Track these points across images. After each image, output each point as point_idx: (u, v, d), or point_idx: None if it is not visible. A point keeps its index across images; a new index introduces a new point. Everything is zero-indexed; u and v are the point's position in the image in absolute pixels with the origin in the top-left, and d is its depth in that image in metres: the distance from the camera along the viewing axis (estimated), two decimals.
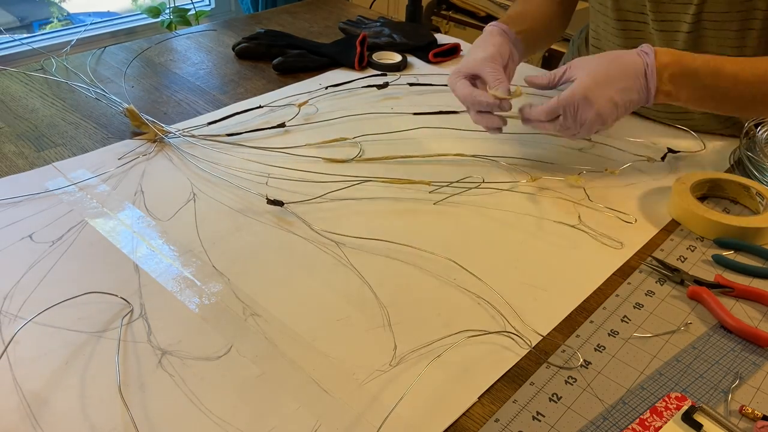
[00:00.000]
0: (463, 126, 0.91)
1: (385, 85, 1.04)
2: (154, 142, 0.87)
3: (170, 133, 0.88)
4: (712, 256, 0.70)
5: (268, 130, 0.91)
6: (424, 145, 0.89)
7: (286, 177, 0.80)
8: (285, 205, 0.74)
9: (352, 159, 0.85)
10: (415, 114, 0.96)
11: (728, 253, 0.71)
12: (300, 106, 0.96)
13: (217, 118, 0.92)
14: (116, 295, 0.61)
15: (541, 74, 0.80)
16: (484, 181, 0.80)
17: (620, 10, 0.91)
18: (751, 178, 0.80)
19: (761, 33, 0.82)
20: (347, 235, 0.71)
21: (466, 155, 0.86)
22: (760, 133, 0.86)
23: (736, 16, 0.82)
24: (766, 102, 0.75)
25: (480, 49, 0.82)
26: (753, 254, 0.71)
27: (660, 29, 0.88)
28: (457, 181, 0.80)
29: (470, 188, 0.79)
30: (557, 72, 0.78)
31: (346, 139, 0.88)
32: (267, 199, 0.74)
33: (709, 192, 0.80)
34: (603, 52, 0.77)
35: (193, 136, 0.88)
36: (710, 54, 0.76)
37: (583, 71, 0.74)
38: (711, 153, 0.90)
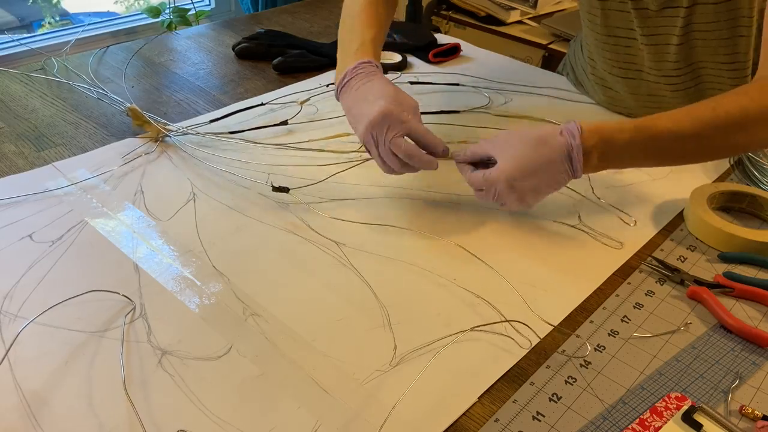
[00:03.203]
0: (465, 125, 0.91)
1: None
2: (157, 141, 0.87)
3: (173, 131, 0.88)
4: (723, 273, 0.67)
5: (270, 127, 0.91)
6: None
7: (288, 175, 0.80)
8: (290, 191, 0.74)
9: (354, 151, 0.85)
10: None
11: (733, 267, 0.69)
12: (302, 103, 0.96)
13: (219, 116, 0.93)
14: (118, 293, 0.61)
15: (464, 149, 0.72)
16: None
17: (609, 26, 0.91)
18: (752, 179, 0.80)
19: (750, 40, 0.82)
20: (348, 221, 0.71)
21: (470, 142, 0.85)
22: None
23: (724, 24, 0.82)
24: (713, 150, 0.70)
25: (387, 104, 0.70)
26: (758, 266, 0.69)
27: (650, 43, 0.88)
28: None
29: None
30: (477, 151, 0.70)
31: (349, 135, 0.88)
32: (272, 186, 0.74)
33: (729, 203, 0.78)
34: (525, 131, 0.69)
35: (196, 133, 0.88)
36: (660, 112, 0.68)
37: (506, 155, 0.67)
38: None
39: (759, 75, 0.71)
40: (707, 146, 0.68)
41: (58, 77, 1.04)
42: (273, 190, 0.74)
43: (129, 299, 0.61)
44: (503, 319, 0.61)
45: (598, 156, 0.66)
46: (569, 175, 0.67)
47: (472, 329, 0.60)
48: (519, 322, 0.61)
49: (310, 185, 0.76)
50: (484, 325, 0.60)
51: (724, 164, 0.87)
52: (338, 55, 0.79)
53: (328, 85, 1.03)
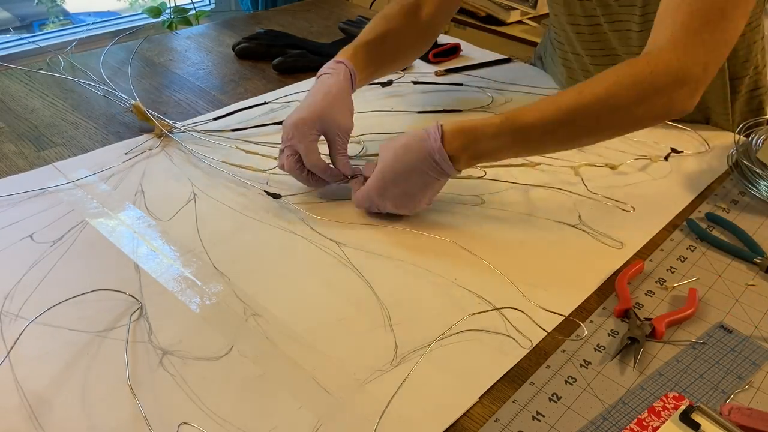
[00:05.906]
0: None
1: (389, 82, 1.04)
2: (160, 137, 0.87)
3: (176, 128, 0.89)
4: (706, 214, 0.77)
5: (272, 126, 0.91)
6: None
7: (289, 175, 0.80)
8: (282, 197, 0.74)
9: (355, 156, 0.85)
10: (419, 113, 0.96)
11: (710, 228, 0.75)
12: None
13: (222, 114, 0.93)
14: (124, 292, 0.62)
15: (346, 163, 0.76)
16: (485, 174, 0.81)
17: (572, 15, 0.94)
18: (750, 183, 0.81)
19: None
20: (346, 222, 0.72)
21: None
22: (751, 139, 0.86)
23: None
24: (588, 133, 0.70)
25: (337, 106, 0.75)
26: (733, 233, 0.74)
27: (614, 30, 0.90)
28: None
29: (474, 178, 0.80)
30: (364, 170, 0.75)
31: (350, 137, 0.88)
32: (265, 191, 0.75)
33: None
34: (395, 141, 0.71)
35: (203, 131, 0.89)
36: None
37: (375, 168, 0.71)
38: (715, 153, 0.90)
39: (644, 51, 0.69)
40: (579, 131, 0.69)
41: (64, 74, 1.04)
42: (266, 194, 0.75)
43: (135, 299, 0.61)
44: (502, 325, 0.61)
45: (468, 154, 0.68)
46: (440, 176, 0.69)
47: (470, 315, 0.60)
48: (514, 308, 0.61)
49: (303, 193, 0.76)
50: (481, 312, 0.61)
51: (723, 166, 0.87)
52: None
53: None
